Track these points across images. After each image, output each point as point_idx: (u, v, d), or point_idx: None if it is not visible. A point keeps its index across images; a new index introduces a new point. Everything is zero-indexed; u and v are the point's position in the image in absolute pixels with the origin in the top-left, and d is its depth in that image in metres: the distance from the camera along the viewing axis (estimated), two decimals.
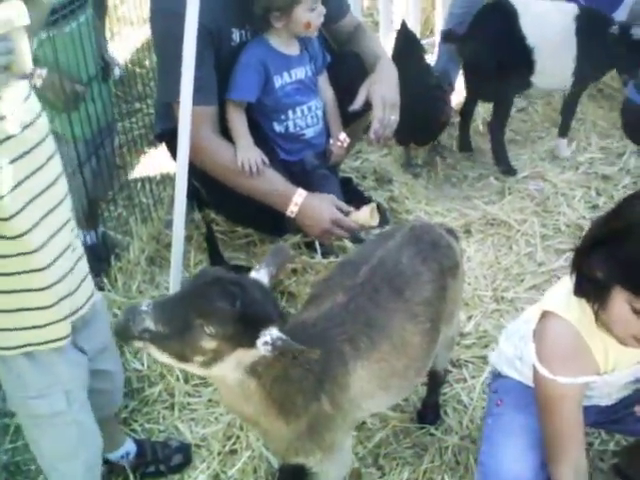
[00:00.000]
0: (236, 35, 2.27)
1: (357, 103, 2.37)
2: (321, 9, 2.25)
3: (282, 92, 2.30)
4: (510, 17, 2.99)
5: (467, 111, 3.25)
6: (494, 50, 2.97)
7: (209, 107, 2.22)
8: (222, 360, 1.34)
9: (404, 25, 3.11)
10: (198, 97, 2.05)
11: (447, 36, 3.16)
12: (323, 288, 1.69)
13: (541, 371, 1.50)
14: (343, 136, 2.43)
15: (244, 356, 1.35)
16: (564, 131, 3.23)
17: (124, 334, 1.33)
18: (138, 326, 1.31)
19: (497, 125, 3.14)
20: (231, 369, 1.37)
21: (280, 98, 2.31)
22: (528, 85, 3.11)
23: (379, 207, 2.80)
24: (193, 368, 1.38)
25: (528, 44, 2.96)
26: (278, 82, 2.29)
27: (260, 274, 1.46)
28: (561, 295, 1.53)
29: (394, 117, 2.36)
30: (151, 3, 2.32)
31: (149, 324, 1.31)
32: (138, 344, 1.34)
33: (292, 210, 2.26)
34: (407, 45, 3.05)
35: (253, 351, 1.33)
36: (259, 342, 1.31)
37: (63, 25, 2.19)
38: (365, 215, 2.22)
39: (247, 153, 2.24)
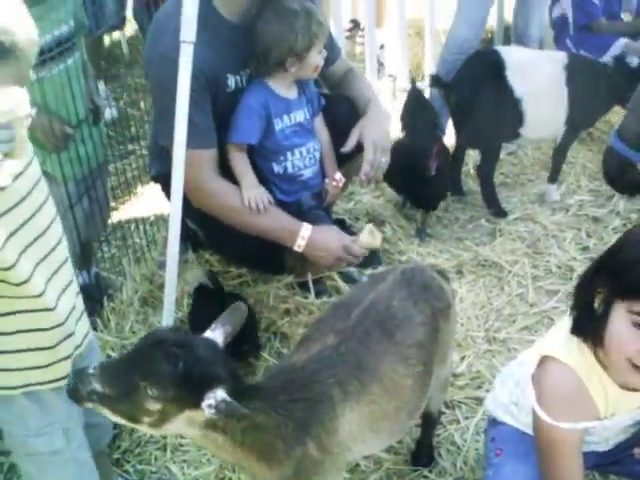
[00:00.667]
0: (231, 81, 2.31)
1: (349, 145, 2.41)
2: (324, 52, 2.32)
3: (282, 135, 2.34)
4: (497, 67, 2.99)
5: (457, 155, 3.28)
6: (480, 100, 2.98)
7: (209, 150, 2.25)
8: (170, 420, 1.35)
9: (414, 85, 3.12)
10: (198, 141, 2.08)
11: (434, 81, 3.17)
12: (314, 330, 1.69)
13: (542, 416, 1.49)
14: (339, 176, 2.47)
15: (195, 415, 1.34)
16: (554, 177, 3.26)
17: (74, 396, 1.37)
18: (86, 388, 1.34)
19: (485, 170, 3.17)
20: (185, 428, 1.38)
21: (280, 140, 2.35)
22: (516, 136, 3.13)
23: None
24: (144, 428, 1.39)
25: (515, 95, 2.97)
26: (278, 125, 2.33)
27: (215, 333, 1.46)
28: (560, 339, 1.52)
29: (384, 159, 2.41)
30: (147, 48, 2.36)
31: (96, 386, 1.34)
32: (88, 405, 1.37)
33: (299, 244, 2.29)
34: (417, 105, 3.07)
35: (201, 411, 1.31)
36: (203, 404, 1.30)
37: (52, 67, 2.22)
38: (366, 237, 2.26)
39: (252, 191, 2.27)
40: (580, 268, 2.74)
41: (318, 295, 2.59)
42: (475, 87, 3.01)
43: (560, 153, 3.25)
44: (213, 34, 2.08)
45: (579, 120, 3.14)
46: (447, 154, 3.11)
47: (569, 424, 1.48)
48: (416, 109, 3.07)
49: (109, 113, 3.91)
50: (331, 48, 2.50)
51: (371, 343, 1.60)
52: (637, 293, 1.34)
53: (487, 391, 2.15)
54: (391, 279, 1.74)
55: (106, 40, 4.10)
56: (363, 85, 2.62)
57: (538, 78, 3.01)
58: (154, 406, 1.32)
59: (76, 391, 1.35)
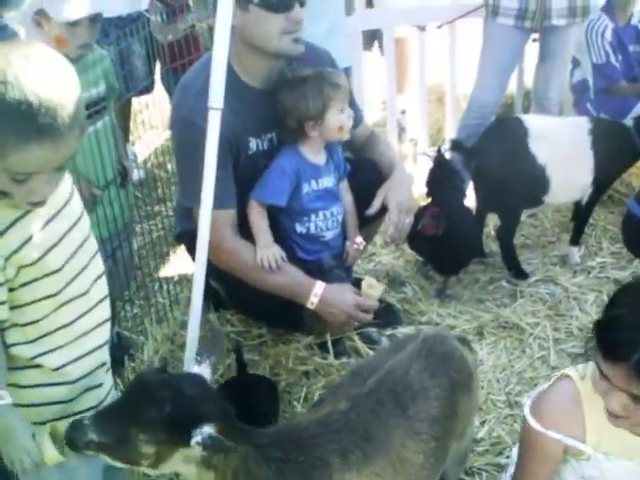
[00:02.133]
0: (253, 144, 2.38)
1: (374, 208, 2.46)
2: (349, 111, 2.37)
3: (308, 198, 2.40)
4: (519, 134, 3.00)
5: (478, 218, 3.30)
6: (501, 167, 2.98)
7: (229, 210, 2.32)
8: (167, 460, 1.40)
9: (439, 151, 3.15)
10: (219, 201, 2.14)
11: (455, 146, 3.20)
12: (329, 394, 1.70)
13: (532, 423, 1.55)
14: (360, 239, 2.52)
15: (189, 453, 1.38)
16: (576, 240, 3.25)
17: (72, 446, 1.41)
18: (83, 438, 1.39)
19: (506, 234, 3.17)
20: (182, 466, 1.42)
21: (305, 203, 2.40)
22: (539, 203, 3.14)
23: (391, 305, 2.85)
24: (144, 469, 1.45)
25: (539, 163, 2.98)
26: (305, 189, 2.39)
27: (201, 367, 1.50)
28: (582, 365, 1.60)
29: (408, 221, 2.46)
30: (172, 112, 2.45)
31: (92, 436, 1.39)
32: (89, 453, 1.41)
33: (312, 301, 2.32)
34: (442, 171, 3.08)
35: (193, 449, 1.36)
36: (192, 441, 1.34)
37: None
38: (365, 290, 2.35)
39: (266, 250, 2.33)
40: None
41: (337, 356, 2.58)
42: (496, 154, 3.03)
43: (585, 215, 3.24)
44: (235, 98, 2.16)
45: (605, 182, 3.16)
46: (471, 220, 3.12)
47: (557, 435, 1.52)
48: (441, 175, 3.07)
49: (136, 175, 4.00)
50: (354, 114, 2.56)
51: (383, 413, 1.58)
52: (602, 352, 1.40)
53: (508, 457, 2.12)
54: (411, 347, 1.72)
55: (134, 103, 4.22)
56: (386, 148, 2.68)
57: (562, 145, 3.02)
58: (149, 449, 1.38)
59: (73, 442, 1.40)
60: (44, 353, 1.50)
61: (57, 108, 1.26)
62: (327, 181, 2.45)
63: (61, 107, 1.27)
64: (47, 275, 1.45)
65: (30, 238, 1.41)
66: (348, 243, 2.53)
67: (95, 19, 2.37)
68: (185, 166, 2.38)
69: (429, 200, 3.08)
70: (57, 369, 1.51)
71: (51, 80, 1.28)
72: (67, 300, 1.50)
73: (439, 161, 3.10)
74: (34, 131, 1.25)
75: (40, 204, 1.38)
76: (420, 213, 2.92)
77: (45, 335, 1.49)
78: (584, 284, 3.06)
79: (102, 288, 1.62)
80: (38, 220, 1.42)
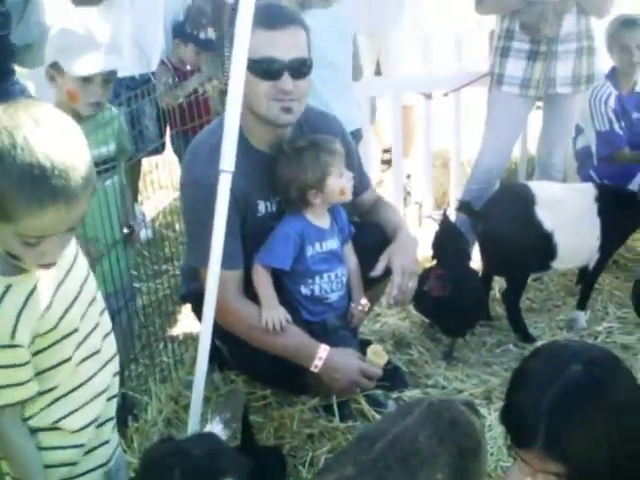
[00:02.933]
0: (262, 206, 2.41)
1: (377, 270, 2.47)
2: (348, 173, 2.41)
3: (312, 260, 2.42)
4: (526, 201, 3.03)
5: (484, 281, 3.30)
6: (507, 233, 3.00)
7: (235, 271, 2.33)
8: None
9: (445, 214, 3.18)
10: (225, 262, 2.15)
11: (462, 207, 3.21)
12: (335, 460, 1.68)
13: None
14: (364, 301, 2.53)
15: None
16: (583, 305, 3.25)
17: None
18: None
19: (511, 298, 3.18)
20: None
21: (310, 265, 2.42)
22: (546, 268, 3.15)
23: (397, 368, 2.83)
24: None
25: (545, 229, 3.00)
26: (310, 251, 2.41)
27: (214, 425, 1.48)
28: None
29: (412, 284, 2.45)
30: (182, 174, 2.49)
31: None
32: None
33: (316, 365, 2.31)
34: (448, 234, 3.11)
35: None
36: None
37: None
38: (370, 357, 2.35)
39: (271, 312, 2.33)
40: None
41: (343, 419, 2.55)
42: (503, 220, 3.05)
43: (591, 280, 3.25)
44: (245, 162, 2.19)
45: (611, 247, 3.18)
46: (477, 282, 3.12)
47: None
48: (447, 237, 3.11)
49: (144, 234, 4.03)
50: (359, 180, 2.60)
51: None
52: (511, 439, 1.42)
53: None
54: (417, 412, 1.71)
55: (144, 163, 4.29)
56: (391, 212, 2.71)
57: (569, 212, 3.05)
58: None
59: None
60: (63, 417, 1.49)
61: (69, 170, 1.26)
62: (331, 243, 2.47)
63: (73, 169, 1.27)
64: (63, 339, 1.45)
65: (47, 307, 1.41)
66: (353, 305, 2.54)
67: (108, 79, 2.39)
68: (193, 227, 2.41)
69: (434, 262, 3.09)
70: (77, 431, 1.50)
71: (61, 142, 1.28)
72: (81, 360, 1.50)
73: (444, 224, 3.13)
74: (48, 195, 1.24)
75: (50, 265, 1.38)
76: (426, 275, 2.92)
77: (62, 398, 1.49)
78: None
79: (111, 344, 1.62)
80: (50, 285, 1.42)
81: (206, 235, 2.13)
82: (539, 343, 3.07)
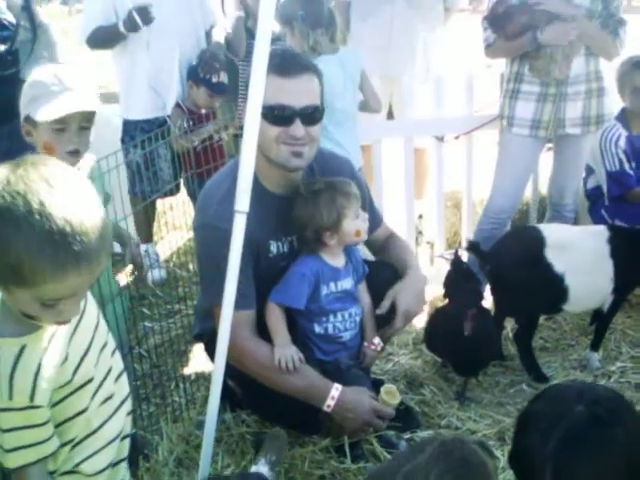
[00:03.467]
0: (274, 247, 2.44)
1: (382, 308, 2.50)
2: (364, 214, 2.45)
3: (327, 299, 2.44)
4: (536, 243, 3.03)
5: (496, 320, 3.29)
6: (517, 275, 3.00)
7: (248, 311, 2.36)
8: None
9: (457, 254, 3.18)
10: (238, 302, 2.17)
11: (471, 247, 3.21)
12: None
13: None
14: (377, 340, 2.54)
15: None
16: (596, 345, 3.22)
17: None
18: None
19: (523, 339, 3.17)
20: None
21: (324, 304, 2.44)
22: (557, 311, 3.15)
23: (409, 408, 2.81)
24: None
25: (556, 272, 2.99)
26: (325, 291, 2.44)
27: (259, 465, 1.47)
28: None
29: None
30: (196, 216, 2.52)
31: None
32: None
33: (329, 404, 2.31)
34: (460, 274, 3.10)
35: None
36: None
37: None
38: (384, 397, 2.35)
39: (284, 351, 2.34)
40: None
41: (355, 460, 2.52)
42: (512, 261, 3.05)
43: (605, 322, 3.22)
44: (257, 203, 2.21)
45: (626, 289, 3.16)
46: (490, 321, 3.10)
47: None
48: (459, 276, 3.10)
49: (158, 274, 4.09)
50: (372, 218, 2.63)
51: None
52: None
53: None
54: (429, 451, 1.69)
55: (159, 204, 4.35)
56: (403, 250, 2.73)
57: (581, 254, 3.04)
58: None
59: None
60: (81, 462, 1.50)
61: (89, 231, 1.24)
62: (346, 283, 2.49)
63: (92, 229, 1.25)
64: (78, 389, 1.45)
65: (63, 361, 1.41)
66: (365, 344, 2.55)
67: (85, 125, 2.27)
68: (207, 268, 2.44)
69: (446, 301, 3.10)
70: (95, 474, 1.51)
71: (77, 202, 1.25)
72: (96, 407, 1.51)
73: (456, 263, 3.13)
74: (70, 260, 1.22)
75: (68, 322, 1.38)
76: (438, 314, 2.93)
77: (78, 445, 1.49)
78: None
79: (124, 385, 1.63)
80: (63, 339, 1.42)
81: (219, 275, 2.17)
82: (552, 383, 3.05)
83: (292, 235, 2.49)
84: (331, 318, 2.47)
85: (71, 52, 6.30)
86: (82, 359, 1.46)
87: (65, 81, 2.18)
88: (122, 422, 1.61)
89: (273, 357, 2.34)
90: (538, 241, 3.04)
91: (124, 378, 1.65)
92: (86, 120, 2.25)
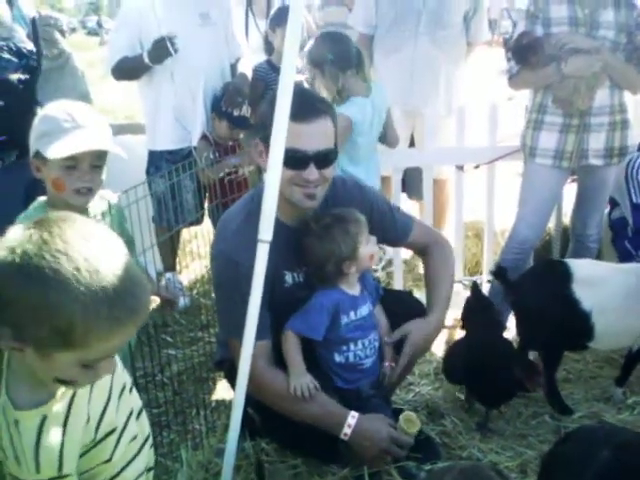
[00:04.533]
0: (289, 277, 2.47)
1: (392, 338, 2.55)
2: (373, 238, 2.47)
3: (346, 328, 2.46)
4: (563, 278, 3.00)
5: (520, 351, 3.24)
6: (541, 308, 2.97)
7: (264, 341, 2.36)
8: None
9: (475, 285, 3.17)
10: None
11: (498, 273, 3.16)
12: None
13: None
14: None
15: None
16: (622, 382, 3.15)
17: None
18: None
19: (547, 372, 3.10)
20: None
21: (344, 333, 2.46)
22: (583, 348, 3.10)
23: (430, 439, 2.79)
24: None
25: (583, 309, 2.95)
26: (344, 320, 2.45)
27: None
28: None
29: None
30: (212, 246, 2.54)
31: None
32: None
33: (346, 432, 2.31)
34: (479, 305, 3.08)
35: None
36: None
37: None
38: (403, 424, 2.35)
39: (299, 379, 2.35)
40: None
41: None
42: (537, 295, 3.03)
43: (634, 360, 3.14)
44: (273, 236, 2.18)
45: None
46: (509, 352, 3.06)
47: None
48: (478, 308, 3.09)
49: (182, 302, 4.12)
50: (400, 223, 2.67)
51: None
52: None
53: None
54: (449, 478, 1.70)
55: (184, 233, 4.40)
56: (442, 272, 2.70)
57: (611, 292, 2.98)
58: None
59: None
60: None
61: (137, 284, 1.22)
62: (364, 310, 2.50)
63: (139, 281, 1.23)
64: (101, 441, 1.44)
65: (86, 423, 1.39)
66: (385, 364, 2.54)
67: (98, 163, 2.21)
68: (222, 299, 2.47)
69: (464, 332, 3.09)
70: None
71: (117, 255, 1.22)
72: (121, 453, 1.50)
73: (474, 294, 3.12)
74: (127, 314, 1.19)
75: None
76: (458, 345, 2.91)
77: None
78: (629, 421, 2.96)
79: (145, 422, 1.62)
80: (83, 402, 1.39)
81: (234, 307, 2.23)
82: (576, 415, 3.01)
83: (314, 271, 2.50)
84: (352, 347, 2.48)
85: (95, 83, 6.46)
86: (103, 413, 1.44)
87: (77, 118, 2.13)
88: (147, 458, 1.61)
89: (289, 387, 2.35)
90: (566, 276, 3.00)
91: (144, 415, 1.64)
92: (98, 159, 2.19)
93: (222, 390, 3.17)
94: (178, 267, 4.44)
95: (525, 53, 3.45)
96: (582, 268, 3.08)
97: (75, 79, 3.38)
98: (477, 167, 3.98)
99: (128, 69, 4.03)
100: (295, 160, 2.26)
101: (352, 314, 2.47)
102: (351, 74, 3.42)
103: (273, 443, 2.79)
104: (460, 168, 4.00)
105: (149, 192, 3.23)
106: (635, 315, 2.98)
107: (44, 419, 1.30)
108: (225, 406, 3.05)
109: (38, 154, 2.14)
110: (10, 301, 1.16)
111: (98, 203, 2.36)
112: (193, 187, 4.00)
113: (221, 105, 4.07)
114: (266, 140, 2.15)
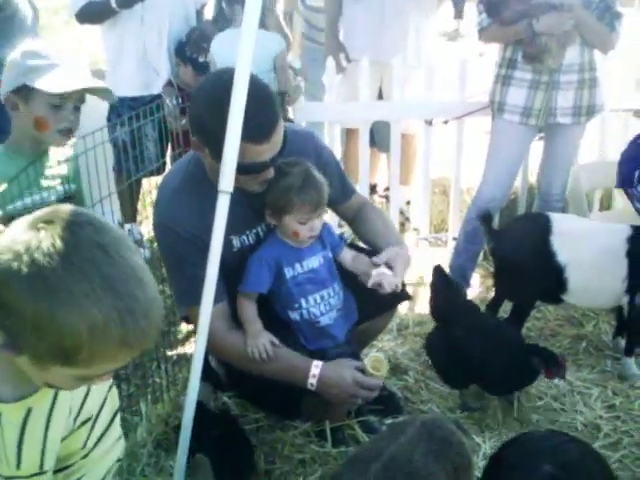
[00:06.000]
0: (236, 241, 2.37)
1: (380, 259, 2.33)
2: (315, 225, 2.31)
3: (293, 282, 2.38)
4: (541, 230, 3.02)
5: (495, 304, 3.29)
6: (518, 258, 3.00)
7: (219, 305, 2.24)
8: None
9: (439, 269, 2.95)
10: None
11: (484, 218, 3.14)
12: None
13: None
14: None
15: None
16: (630, 351, 3.07)
17: None
18: None
19: (516, 321, 3.15)
20: None
21: (291, 288, 2.39)
22: (557, 301, 3.12)
23: (392, 393, 2.80)
24: None
25: (558, 261, 2.96)
26: (289, 273, 2.37)
27: None
28: None
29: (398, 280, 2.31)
30: (153, 218, 2.39)
31: None
32: None
33: (312, 383, 2.27)
34: (444, 287, 2.91)
35: None
36: None
37: None
38: (370, 369, 2.27)
39: (255, 340, 2.30)
40: (606, 427, 2.67)
41: (335, 444, 2.52)
42: (515, 244, 3.06)
43: (628, 325, 3.09)
44: (212, 203, 2.07)
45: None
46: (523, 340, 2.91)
47: None
48: (449, 295, 2.88)
49: (142, 254, 4.03)
50: (341, 187, 2.58)
51: None
52: None
53: None
54: (411, 432, 1.70)
55: (144, 183, 4.28)
56: (383, 223, 2.62)
57: (590, 248, 2.97)
58: None
59: None
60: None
61: (151, 305, 1.13)
62: (313, 262, 2.41)
63: (152, 301, 1.14)
64: (78, 429, 1.42)
65: (67, 415, 1.36)
66: (374, 272, 2.31)
67: (79, 105, 2.21)
68: (170, 269, 2.40)
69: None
70: None
71: (135, 272, 1.12)
72: (94, 442, 1.49)
73: (438, 277, 2.91)
74: (137, 337, 1.10)
75: None
76: (439, 338, 2.82)
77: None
78: (589, 378, 3.01)
79: (115, 397, 1.59)
80: (68, 394, 1.34)
81: (180, 274, 2.23)
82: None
83: (258, 226, 2.41)
84: (303, 303, 2.40)
85: (58, 30, 6.21)
86: (84, 402, 1.39)
87: (61, 56, 2.12)
88: (117, 433, 1.57)
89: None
90: (546, 228, 3.01)
91: (114, 389, 1.57)
92: (80, 100, 2.18)
93: (184, 344, 3.13)
94: (139, 218, 4.34)
95: (497, 6, 3.39)
96: (565, 222, 3.09)
97: (23, 31, 3.23)
98: (446, 122, 3.94)
99: (93, 13, 3.90)
100: (255, 168, 2.15)
101: (298, 266, 2.38)
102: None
103: (235, 397, 2.78)
104: (429, 123, 3.95)
105: (108, 139, 3.11)
106: (611, 275, 2.98)
107: (29, 412, 1.24)
108: (187, 360, 3.00)
109: (21, 90, 2.08)
110: (11, 311, 1.05)
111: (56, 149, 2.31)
112: (155, 135, 3.89)
113: (186, 50, 3.95)
114: (216, 153, 2.07)
